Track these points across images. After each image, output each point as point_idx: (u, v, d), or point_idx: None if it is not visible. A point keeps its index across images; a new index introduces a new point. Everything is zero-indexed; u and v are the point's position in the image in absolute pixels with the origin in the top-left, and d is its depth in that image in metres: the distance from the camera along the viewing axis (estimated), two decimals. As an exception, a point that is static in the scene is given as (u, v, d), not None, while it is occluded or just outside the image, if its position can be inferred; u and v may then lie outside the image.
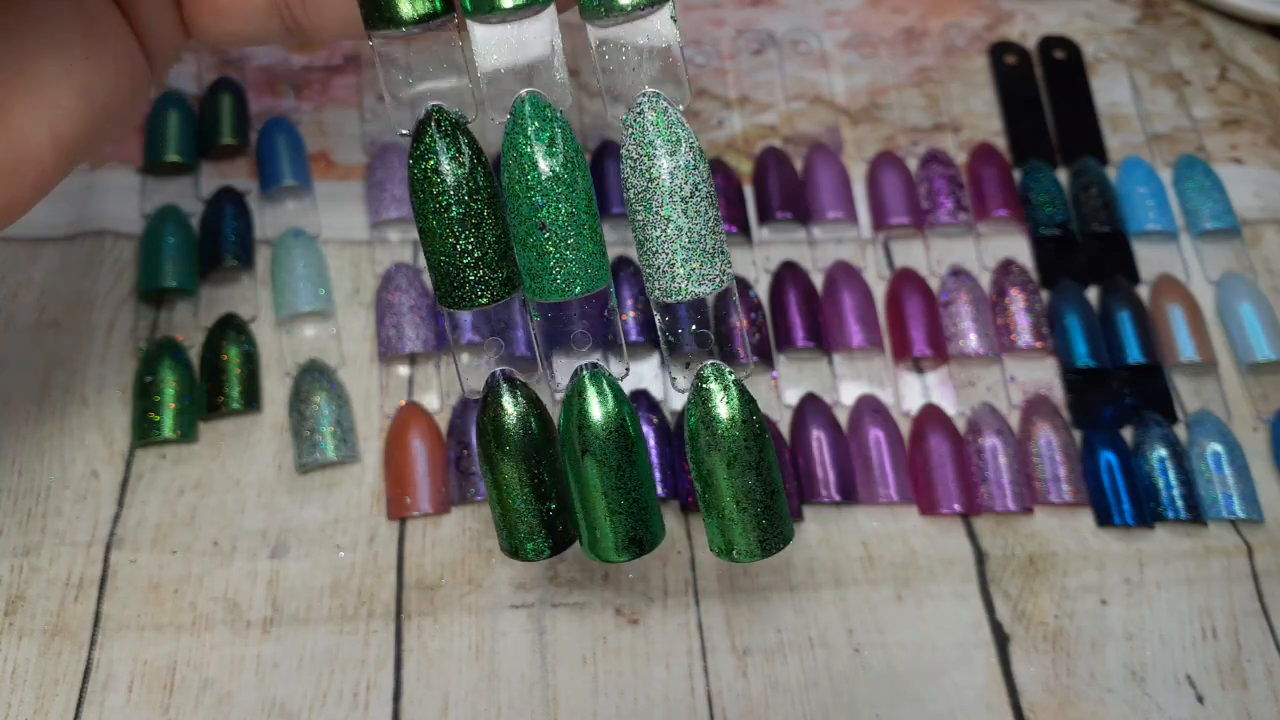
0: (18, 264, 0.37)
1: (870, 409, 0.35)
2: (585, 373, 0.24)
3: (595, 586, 0.32)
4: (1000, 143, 0.42)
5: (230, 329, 0.35)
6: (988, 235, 0.40)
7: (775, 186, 0.39)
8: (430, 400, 0.35)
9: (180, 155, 0.38)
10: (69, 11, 0.24)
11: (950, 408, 0.36)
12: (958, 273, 0.38)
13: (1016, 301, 0.37)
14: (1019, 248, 0.39)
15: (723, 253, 0.22)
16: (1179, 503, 0.34)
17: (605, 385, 0.24)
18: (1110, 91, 0.44)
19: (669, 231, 0.22)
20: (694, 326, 0.24)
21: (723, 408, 0.23)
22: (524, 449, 0.24)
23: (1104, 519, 0.34)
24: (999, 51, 0.44)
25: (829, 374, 0.36)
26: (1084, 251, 0.39)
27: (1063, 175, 0.41)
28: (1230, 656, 0.31)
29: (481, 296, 0.22)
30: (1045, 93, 0.43)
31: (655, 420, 0.34)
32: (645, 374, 0.36)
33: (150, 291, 0.36)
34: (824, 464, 0.34)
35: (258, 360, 0.35)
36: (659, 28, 0.23)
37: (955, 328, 0.37)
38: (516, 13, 0.21)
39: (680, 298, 0.22)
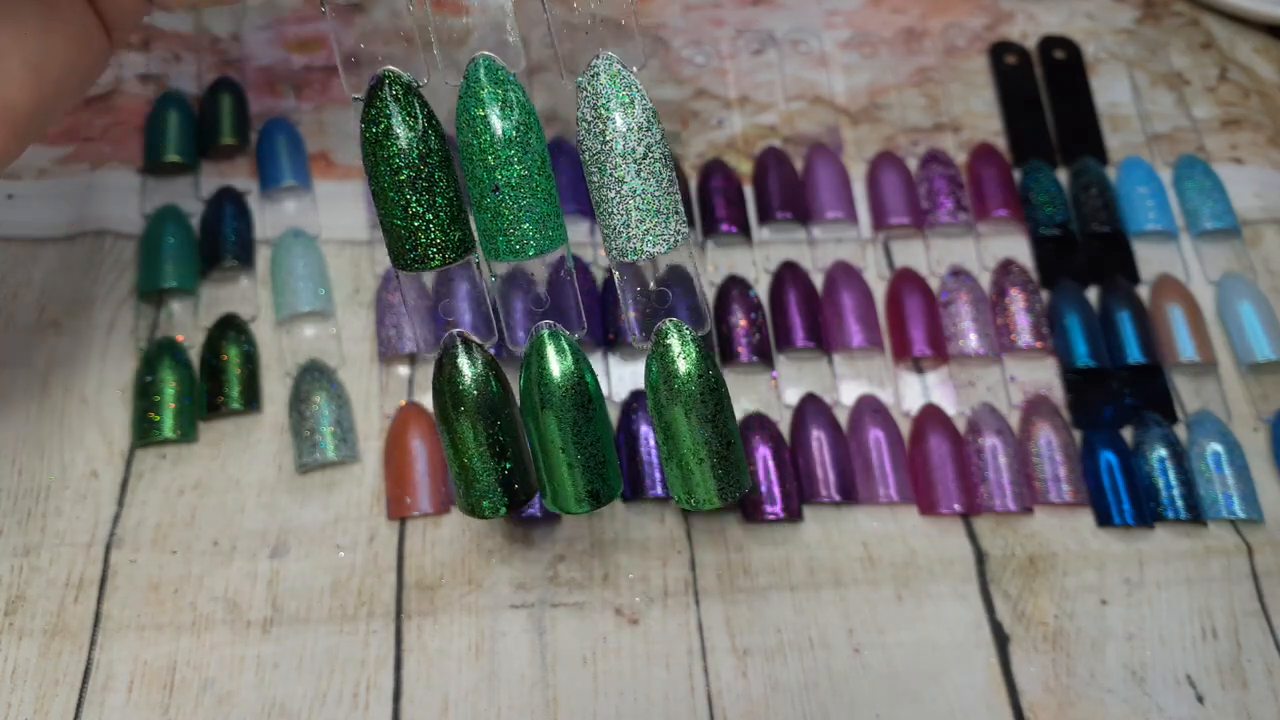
0: (18, 264, 0.37)
1: (870, 409, 0.35)
2: (545, 331, 0.24)
3: (595, 586, 0.32)
4: (1000, 143, 0.42)
5: (230, 329, 0.35)
6: (988, 235, 0.40)
7: (775, 186, 0.39)
8: (430, 400, 0.35)
9: (180, 155, 0.38)
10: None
11: (950, 408, 0.36)
12: (958, 273, 0.38)
13: (1016, 301, 0.37)
14: (1019, 248, 0.39)
15: (677, 212, 0.23)
16: (1179, 503, 0.34)
17: (564, 344, 0.24)
18: (1110, 91, 0.44)
19: (623, 192, 0.22)
20: (652, 284, 0.24)
21: (681, 363, 0.24)
22: (480, 409, 0.24)
23: (1104, 519, 0.34)
24: (999, 51, 0.44)
25: (829, 374, 0.36)
26: (1084, 251, 0.39)
27: (1063, 175, 0.41)
28: (1230, 656, 0.31)
29: (434, 259, 0.22)
30: (1045, 93, 0.43)
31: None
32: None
33: (150, 291, 0.36)
34: (824, 464, 0.34)
35: (258, 360, 0.35)
36: None
37: (955, 328, 0.37)
38: None
39: (635, 257, 0.23)
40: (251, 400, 0.34)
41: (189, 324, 0.36)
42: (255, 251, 0.37)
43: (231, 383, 0.34)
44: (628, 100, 0.22)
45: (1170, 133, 0.43)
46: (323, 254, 0.37)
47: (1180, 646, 0.32)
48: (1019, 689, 0.31)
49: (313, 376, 0.35)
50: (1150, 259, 0.39)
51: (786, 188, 0.39)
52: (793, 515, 0.33)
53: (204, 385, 0.34)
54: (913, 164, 0.41)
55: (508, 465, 0.25)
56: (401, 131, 0.22)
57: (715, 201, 0.39)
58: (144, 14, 0.27)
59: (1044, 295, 0.38)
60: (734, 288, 0.37)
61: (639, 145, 0.22)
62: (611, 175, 0.22)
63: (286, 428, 0.34)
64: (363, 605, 0.31)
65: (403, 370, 0.36)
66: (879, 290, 0.38)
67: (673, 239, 0.23)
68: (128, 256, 0.37)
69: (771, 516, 0.33)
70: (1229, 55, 0.45)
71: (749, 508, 0.33)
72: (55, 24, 0.24)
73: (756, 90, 0.43)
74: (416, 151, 0.22)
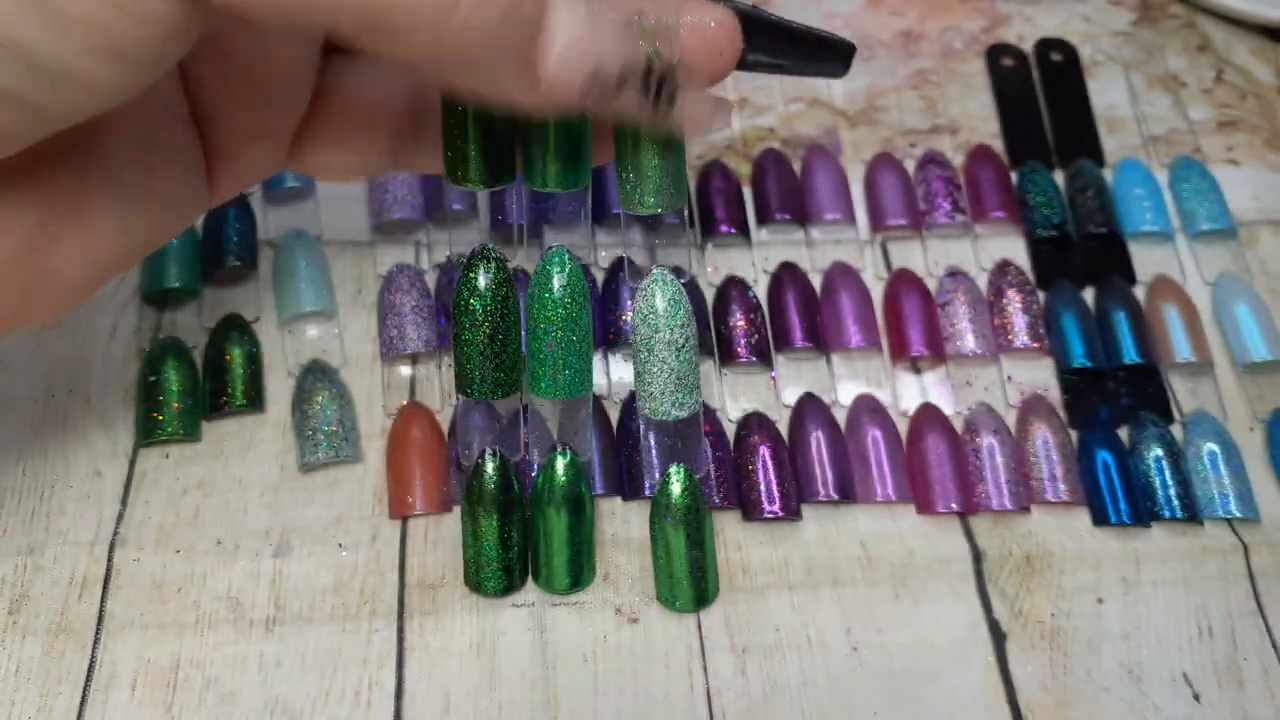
0: (21, 265, 0.37)
1: (868, 409, 0.35)
2: (557, 451, 0.31)
3: (595, 586, 0.32)
4: (997, 145, 0.42)
5: (233, 329, 0.36)
6: (985, 236, 0.40)
7: (774, 188, 0.40)
8: (432, 400, 0.35)
9: (183, 157, 0.39)
10: (134, 164, 0.24)
11: (948, 407, 0.36)
12: (955, 274, 0.38)
13: (1013, 302, 0.37)
14: (1016, 249, 0.40)
15: (697, 388, 0.29)
16: (1175, 502, 0.34)
17: (570, 461, 0.31)
18: (1107, 93, 0.44)
19: (663, 370, 0.28)
20: (666, 438, 0.31)
21: (681, 497, 0.31)
22: (500, 508, 0.31)
23: (1100, 518, 0.34)
24: (996, 54, 0.45)
25: (827, 374, 0.37)
26: (1080, 252, 0.39)
27: (1059, 177, 0.41)
28: (1226, 655, 0.32)
29: (491, 393, 0.28)
30: (1042, 95, 0.44)
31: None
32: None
33: (154, 292, 0.36)
34: (822, 463, 0.34)
35: (260, 360, 0.36)
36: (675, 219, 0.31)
37: (953, 328, 0.37)
38: (563, 191, 0.27)
39: (663, 417, 0.29)
40: (255, 400, 0.35)
41: (192, 325, 0.36)
42: (258, 252, 0.38)
43: (235, 382, 0.35)
44: (674, 307, 0.28)
45: (1167, 134, 0.43)
46: (325, 255, 0.38)
47: (1177, 645, 0.32)
48: (1016, 687, 0.31)
49: (315, 376, 0.35)
50: (1147, 260, 0.39)
51: (785, 189, 0.40)
52: (791, 514, 0.33)
53: (207, 385, 0.35)
54: (910, 166, 0.41)
55: (513, 555, 0.31)
56: (486, 294, 0.28)
57: (714, 203, 0.39)
58: (270, 176, 0.27)
59: (1041, 296, 0.38)
60: (733, 288, 0.37)
61: (680, 338, 0.28)
62: (656, 355, 0.28)
63: (289, 427, 0.34)
64: (365, 604, 0.31)
65: (405, 370, 0.36)
66: (877, 291, 0.38)
67: (691, 406, 0.29)
68: (131, 258, 0.37)
69: (770, 515, 0.33)
70: (1225, 57, 0.46)
71: (748, 507, 0.34)
72: (155, 190, 0.24)
73: (755, 92, 0.43)
74: (498, 312, 0.28)
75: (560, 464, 0.31)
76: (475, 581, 0.32)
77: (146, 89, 0.20)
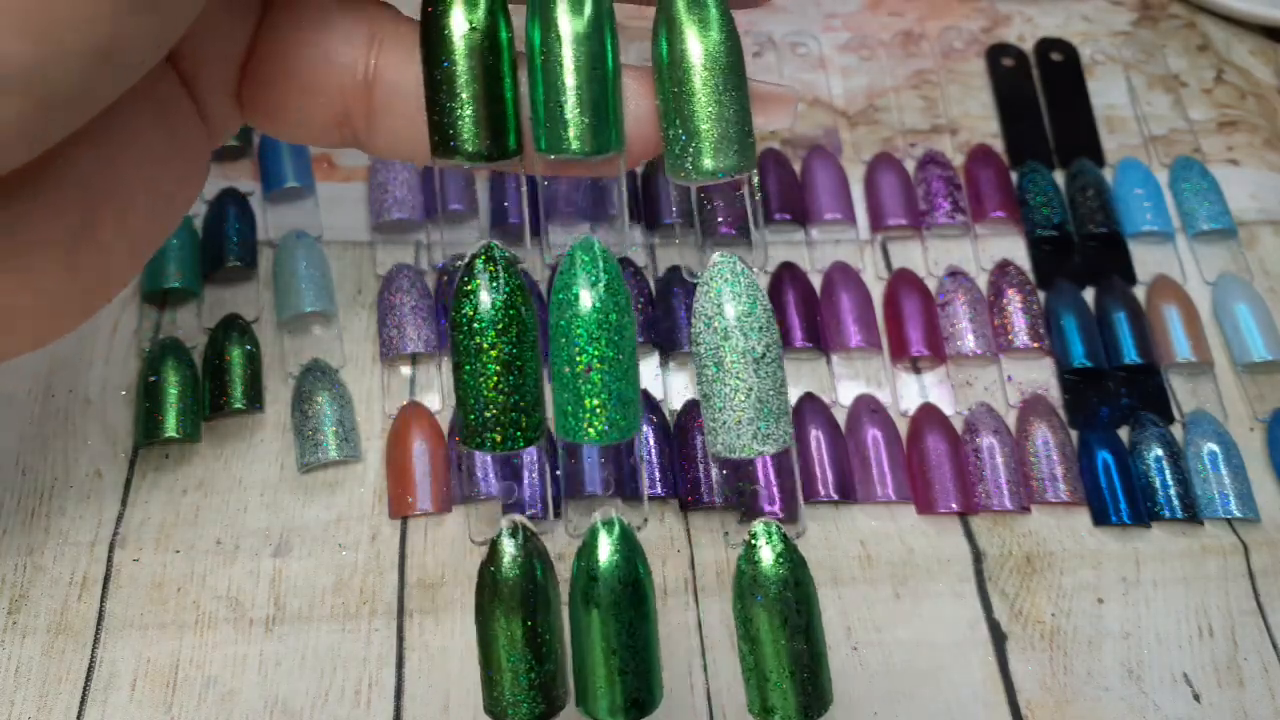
0: (22, 265, 0.37)
1: (868, 409, 0.35)
2: (600, 522, 0.22)
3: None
4: (997, 145, 0.42)
5: (233, 330, 0.36)
6: (985, 236, 0.40)
7: (774, 188, 0.40)
8: (432, 400, 0.35)
9: (183, 157, 0.39)
10: (154, 120, 0.22)
11: (948, 407, 0.36)
12: (955, 273, 0.38)
13: (1013, 302, 0.38)
14: (1016, 249, 0.40)
15: (786, 414, 0.22)
16: (1175, 502, 0.34)
17: (621, 534, 0.22)
18: (1107, 93, 0.44)
19: (739, 390, 0.22)
20: (740, 483, 0.24)
21: (774, 568, 0.23)
22: (523, 604, 0.22)
23: (1100, 518, 0.34)
24: (996, 54, 0.45)
25: (827, 374, 0.37)
26: (1080, 252, 0.39)
27: (1059, 177, 0.41)
28: (1227, 655, 0.32)
29: (506, 443, 0.22)
30: (1042, 95, 0.44)
31: (655, 420, 0.34)
32: (645, 374, 0.36)
33: (154, 292, 0.36)
34: (822, 463, 0.34)
35: (260, 360, 0.36)
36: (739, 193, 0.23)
37: (952, 328, 0.37)
38: (589, 157, 0.21)
39: (743, 454, 0.22)
40: (254, 400, 0.35)
41: (192, 325, 0.36)
42: (258, 253, 0.38)
43: (235, 383, 0.35)
44: (749, 300, 0.22)
45: (1167, 134, 0.43)
46: (325, 255, 0.38)
47: (1177, 645, 0.32)
48: (1016, 687, 0.31)
49: (315, 377, 0.35)
50: (1147, 260, 0.40)
51: (785, 189, 0.40)
52: (791, 514, 0.33)
53: (207, 385, 0.35)
54: (910, 166, 0.41)
55: (550, 668, 0.22)
56: (491, 309, 0.21)
57: (714, 203, 0.39)
58: (241, 125, 0.25)
59: (1041, 296, 0.38)
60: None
61: (758, 345, 0.22)
62: (728, 371, 0.22)
63: (289, 427, 0.35)
64: (365, 603, 0.31)
65: (404, 370, 0.36)
66: (877, 291, 0.38)
67: (781, 439, 0.22)
68: (131, 258, 0.37)
69: (770, 516, 0.33)
70: (1225, 57, 0.46)
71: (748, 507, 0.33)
72: (179, 155, 0.23)
73: (755, 93, 0.43)
74: (511, 332, 0.21)
75: (604, 541, 0.22)
76: (497, 708, 0.22)
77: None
